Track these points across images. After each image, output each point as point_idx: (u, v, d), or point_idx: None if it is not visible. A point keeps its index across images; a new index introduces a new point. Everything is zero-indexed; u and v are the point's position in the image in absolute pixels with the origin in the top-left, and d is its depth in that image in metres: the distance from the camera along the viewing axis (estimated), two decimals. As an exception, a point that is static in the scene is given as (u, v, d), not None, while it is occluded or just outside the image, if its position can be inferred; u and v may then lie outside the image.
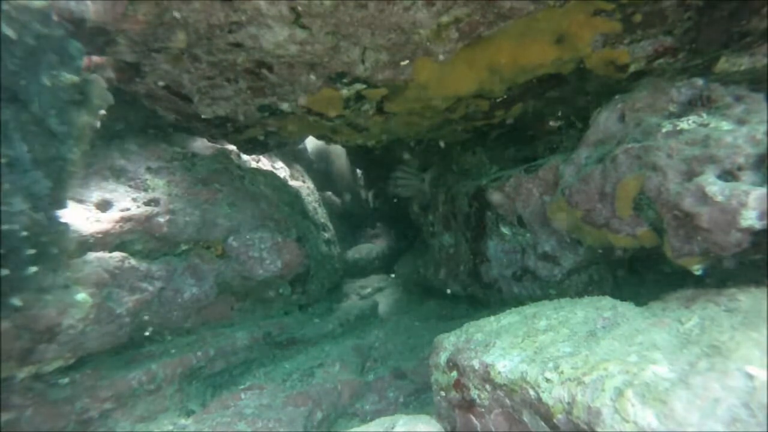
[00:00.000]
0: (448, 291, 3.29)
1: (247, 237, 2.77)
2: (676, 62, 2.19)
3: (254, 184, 3.07)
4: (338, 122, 2.58)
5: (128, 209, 2.42)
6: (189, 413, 2.20)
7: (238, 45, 2.04)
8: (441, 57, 2.09)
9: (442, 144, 3.27)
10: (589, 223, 2.03)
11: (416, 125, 2.74)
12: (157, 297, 2.36)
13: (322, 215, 4.00)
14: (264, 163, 3.82)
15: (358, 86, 2.25)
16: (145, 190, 2.58)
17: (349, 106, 2.40)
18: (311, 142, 4.94)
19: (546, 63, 2.19)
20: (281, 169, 4.01)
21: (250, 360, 2.59)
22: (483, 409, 1.49)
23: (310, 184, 4.26)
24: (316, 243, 3.42)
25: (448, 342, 1.73)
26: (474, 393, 1.52)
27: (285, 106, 2.44)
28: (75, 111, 1.80)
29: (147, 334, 2.36)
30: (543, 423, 1.29)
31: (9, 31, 1.51)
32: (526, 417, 1.35)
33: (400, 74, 2.18)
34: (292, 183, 3.83)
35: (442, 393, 1.67)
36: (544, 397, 1.27)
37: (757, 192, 1.42)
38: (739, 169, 1.55)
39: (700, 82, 1.91)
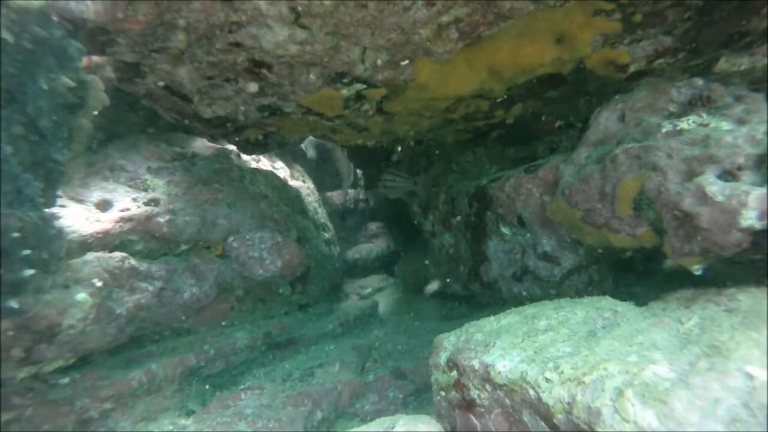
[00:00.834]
0: (448, 291, 3.29)
1: (247, 237, 2.77)
2: (676, 62, 2.19)
3: (254, 184, 3.07)
4: (338, 122, 2.58)
5: (128, 209, 2.42)
6: (189, 413, 2.20)
7: (238, 45, 2.04)
8: (442, 56, 2.09)
9: (437, 152, 3.28)
10: (589, 223, 2.03)
11: (416, 125, 2.74)
12: (157, 297, 2.36)
13: (322, 215, 4.00)
14: (264, 163, 3.82)
15: (358, 86, 2.25)
16: (145, 190, 2.58)
17: (349, 106, 2.40)
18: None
19: (546, 63, 2.19)
20: (281, 169, 4.01)
21: (250, 360, 2.59)
22: (483, 409, 1.49)
23: (310, 184, 4.25)
24: (316, 243, 3.41)
25: (448, 342, 1.73)
26: (474, 393, 1.52)
27: (285, 106, 2.44)
28: (70, 114, 1.80)
29: (147, 333, 2.36)
30: (543, 423, 1.29)
31: (7, 35, 1.51)
32: (526, 417, 1.35)
33: (400, 74, 2.18)
34: (292, 183, 3.83)
35: (442, 393, 1.67)
36: (544, 397, 1.27)
37: (757, 192, 1.42)
38: (739, 169, 1.55)
39: (700, 82, 1.91)
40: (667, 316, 1.43)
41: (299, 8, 1.84)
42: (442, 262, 3.33)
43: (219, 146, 3.32)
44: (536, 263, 2.60)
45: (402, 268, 4.21)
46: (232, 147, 3.32)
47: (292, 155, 4.53)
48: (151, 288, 2.33)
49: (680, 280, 1.76)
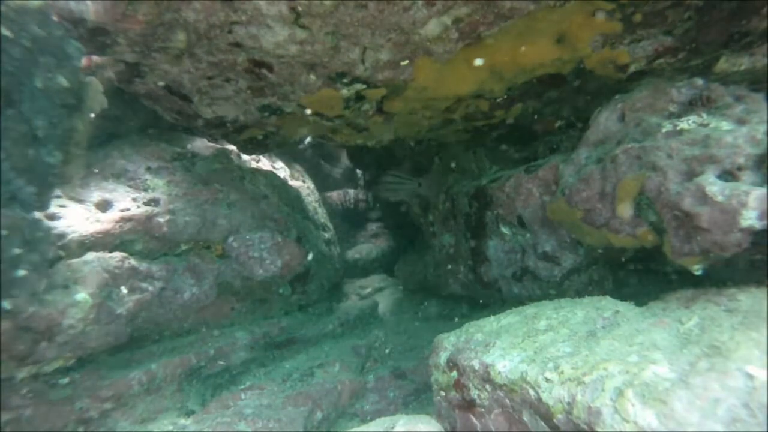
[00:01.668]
0: (448, 291, 3.29)
1: (247, 237, 2.77)
2: (676, 62, 2.19)
3: (254, 184, 3.07)
4: (338, 122, 2.58)
5: (128, 209, 2.42)
6: (189, 413, 2.20)
7: (238, 45, 2.04)
8: (442, 56, 2.09)
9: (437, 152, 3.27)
10: (589, 223, 2.03)
11: (416, 125, 2.74)
12: (157, 297, 2.36)
13: (322, 215, 4.00)
14: (264, 163, 3.82)
15: (358, 86, 2.25)
16: (145, 190, 2.58)
17: (349, 106, 2.40)
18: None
19: (546, 63, 2.19)
20: (281, 169, 4.01)
21: (250, 360, 2.59)
22: (483, 409, 1.49)
23: (310, 184, 4.25)
24: (316, 243, 3.42)
25: (448, 342, 1.73)
26: (474, 393, 1.52)
27: (285, 106, 2.44)
28: (66, 115, 1.79)
29: (147, 333, 2.36)
30: (543, 423, 1.29)
31: (6, 33, 1.51)
32: (526, 417, 1.35)
33: (400, 74, 2.18)
34: (292, 183, 3.83)
35: (442, 393, 1.67)
36: (544, 397, 1.27)
37: (757, 192, 1.42)
38: (739, 169, 1.55)
39: (700, 82, 1.91)
40: (667, 316, 1.43)
41: (299, 8, 1.84)
42: (442, 262, 3.33)
43: (219, 146, 3.32)
44: (536, 263, 2.60)
45: (402, 268, 4.21)
46: (232, 147, 3.32)
47: (292, 155, 4.53)
48: (151, 288, 2.33)
49: (680, 280, 1.76)
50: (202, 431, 2.03)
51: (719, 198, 1.47)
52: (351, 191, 5.27)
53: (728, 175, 1.55)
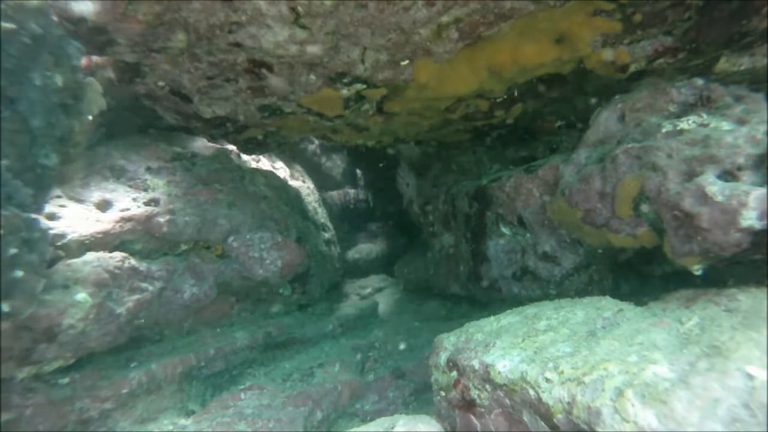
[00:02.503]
0: (448, 291, 3.29)
1: (247, 237, 2.77)
2: (676, 62, 2.19)
3: (254, 184, 3.07)
4: (338, 122, 2.58)
5: (128, 209, 2.41)
6: (189, 413, 2.20)
7: (238, 45, 2.04)
8: (442, 56, 2.09)
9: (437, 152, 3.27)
10: (589, 223, 2.03)
11: (416, 125, 2.74)
12: (157, 297, 2.36)
13: (322, 215, 4.00)
14: (264, 163, 3.82)
15: (358, 86, 2.25)
16: (145, 190, 2.58)
17: (349, 106, 2.40)
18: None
19: (546, 63, 2.19)
20: (281, 169, 4.01)
21: (250, 360, 2.59)
22: (483, 409, 1.49)
23: (310, 184, 4.25)
24: (316, 243, 3.41)
25: (448, 342, 1.73)
26: (474, 393, 1.51)
27: (285, 106, 2.44)
28: (63, 115, 1.78)
29: (147, 333, 2.36)
30: (543, 423, 1.29)
31: (7, 25, 1.50)
32: (526, 417, 1.35)
33: (400, 74, 2.18)
34: (292, 183, 3.83)
35: (442, 393, 1.67)
36: (544, 397, 1.26)
37: (757, 192, 1.42)
38: (739, 169, 1.55)
39: (700, 82, 1.91)
40: (667, 316, 1.43)
41: (299, 8, 1.84)
42: (442, 262, 3.33)
43: (219, 146, 3.32)
44: (536, 263, 2.60)
45: (402, 268, 4.21)
46: (232, 147, 3.32)
47: (292, 155, 4.53)
48: (151, 288, 2.33)
49: (680, 280, 1.76)
50: (202, 431, 2.03)
51: (719, 198, 1.47)
52: (351, 191, 5.26)
53: (728, 175, 1.55)
